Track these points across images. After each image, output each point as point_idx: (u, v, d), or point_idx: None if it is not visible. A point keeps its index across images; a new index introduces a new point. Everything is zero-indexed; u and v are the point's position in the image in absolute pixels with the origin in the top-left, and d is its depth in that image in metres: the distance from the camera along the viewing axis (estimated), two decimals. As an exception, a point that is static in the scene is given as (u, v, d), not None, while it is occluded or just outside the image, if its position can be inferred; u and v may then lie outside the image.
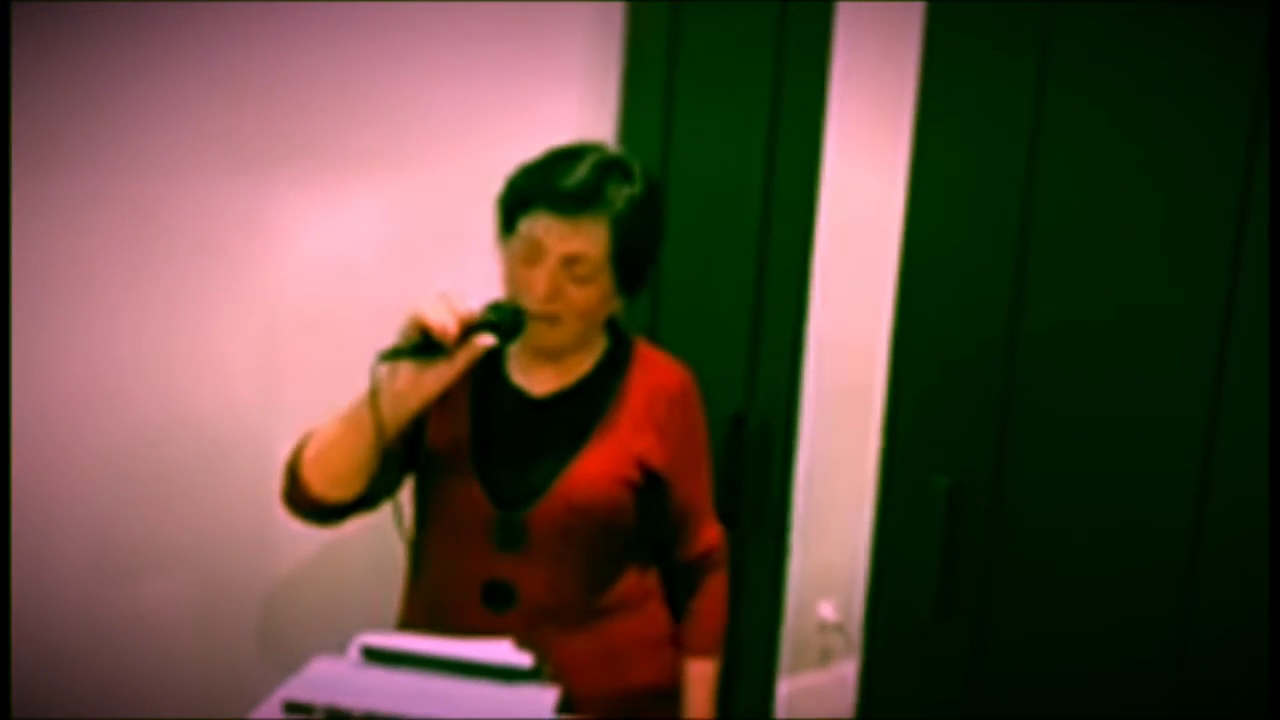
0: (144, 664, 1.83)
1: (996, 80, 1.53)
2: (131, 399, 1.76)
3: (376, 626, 1.40)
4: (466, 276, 1.88)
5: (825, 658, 2.98)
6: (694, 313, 1.96)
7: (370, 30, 1.85)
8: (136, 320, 1.75)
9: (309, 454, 1.46)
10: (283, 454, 1.81)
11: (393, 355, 1.33)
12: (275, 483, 1.82)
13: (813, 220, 1.84)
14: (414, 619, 1.58)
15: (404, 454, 1.52)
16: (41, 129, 1.63)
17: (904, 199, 1.63)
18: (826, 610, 2.96)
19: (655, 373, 1.58)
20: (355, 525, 1.82)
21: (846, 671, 2.99)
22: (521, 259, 1.46)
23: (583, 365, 1.56)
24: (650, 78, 1.98)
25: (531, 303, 1.44)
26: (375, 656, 1.22)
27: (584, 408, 1.53)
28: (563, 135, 1.92)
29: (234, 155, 1.78)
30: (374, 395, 1.36)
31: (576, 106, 2.03)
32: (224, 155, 1.77)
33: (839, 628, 2.97)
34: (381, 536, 1.97)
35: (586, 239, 1.43)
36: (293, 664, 1.27)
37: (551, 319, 1.46)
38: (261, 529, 1.89)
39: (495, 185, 1.94)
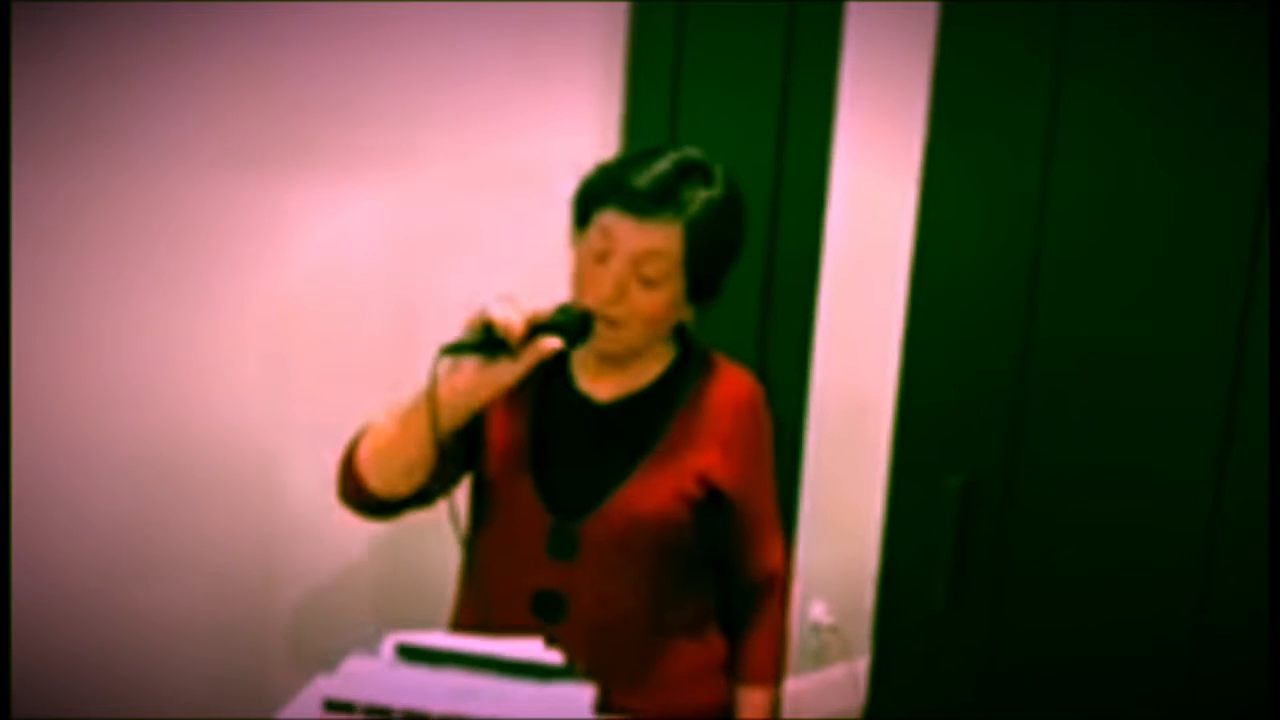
0: (154, 668, 1.81)
1: (1011, 82, 1.54)
2: (140, 401, 1.74)
3: (382, 626, 1.39)
4: (476, 275, 1.89)
5: (818, 659, 3.00)
6: (700, 313, 1.97)
7: (376, 29, 1.84)
8: (143, 322, 1.73)
9: (365, 449, 1.43)
10: (291, 454, 1.80)
11: (455, 350, 1.31)
12: (283, 483, 1.82)
13: (822, 219, 1.86)
14: (465, 623, 1.54)
15: (462, 452, 1.49)
16: (43, 129, 1.61)
17: (916, 199, 1.64)
18: (819, 612, 2.98)
19: (723, 385, 1.53)
20: (361, 529, 1.81)
21: (839, 673, 3.01)
22: (591, 257, 1.42)
23: (649, 372, 1.51)
24: (655, 79, 1.98)
25: (594, 303, 1.40)
26: (410, 655, 1.21)
27: (648, 417, 1.49)
28: (568, 136, 1.93)
29: (241, 154, 1.77)
30: (433, 390, 1.33)
31: (582, 107, 2.03)
32: (230, 154, 1.76)
33: (832, 629, 2.98)
34: (389, 543, 1.97)
35: (657, 240, 1.39)
36: (307, 667, 1.26)
37: (613, 321, 1.41)
38: (271, 530, 1.89)
39: (501, 184, 1.95)
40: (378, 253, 1.91)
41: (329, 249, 1.86)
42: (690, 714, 1.52)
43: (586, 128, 2.00)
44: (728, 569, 1.57)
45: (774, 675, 1.59)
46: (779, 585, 1.60)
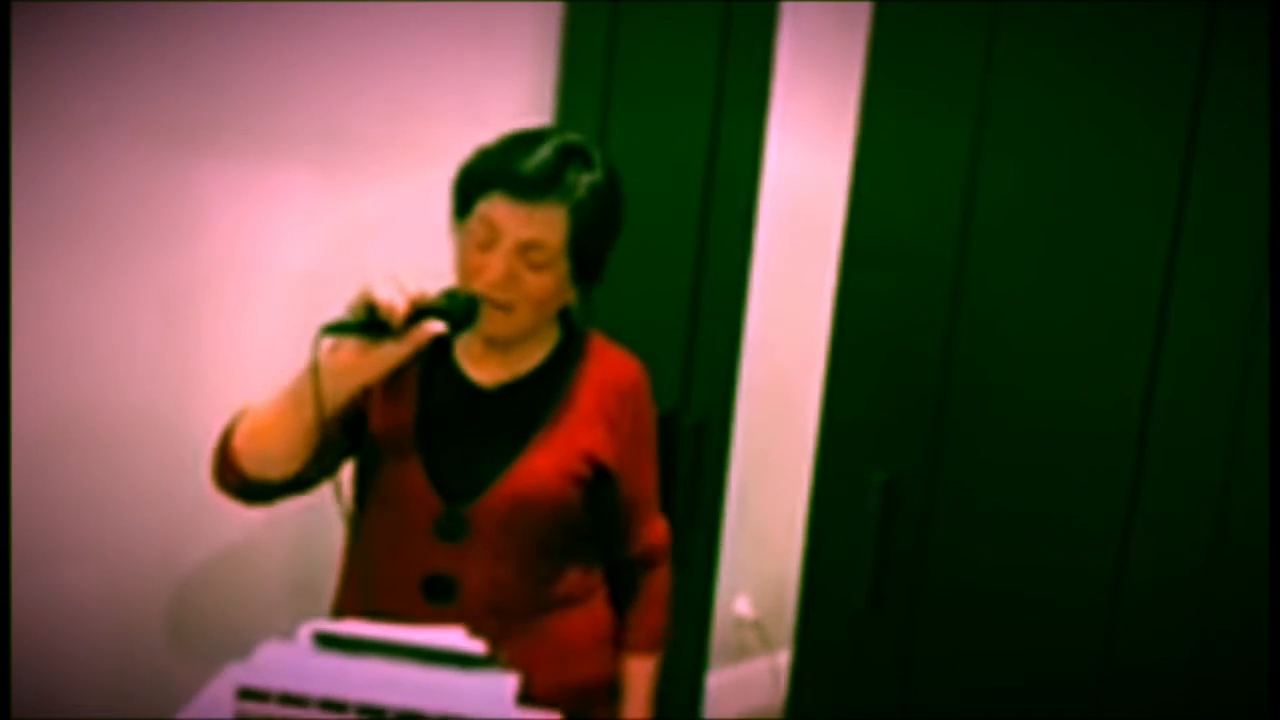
0: (54, 659, 1.76)
1: (941, 80, 1.56)
2: (39, 379, 1.69)
3: (291, 617, 1.36)
4: (394, 265, 1.86)
5: (740, 654, 3.01)
6: (630, 309, 1.96)
7: (306, 16, 1.82)
8: (45, 298, 1.67)
9: (243, 430, 1.41)
10: (195, 440, 1.75)
11: (336, 329, 1.29)
12: (190, 466, 1.76)
13: (754, 218, 1.86)
14: (349, 608, 1.53)
15: (343, 438, 1.48)
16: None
17: (846, 197, 1.66)
18: (743, 606, 2.99)
19: (607, 366, 1.56)
20: (269, 514, 1.77)
21: (761, 668, 3.03)
22: (476, 243, 1.43)
23: (534, 356, 1.53)
24: (587, 78, 1.98)
25: (484, 289, 1.41)
26: (327, 642, 1.19)
27: (533, 400, 1.51)
28: (498, 128, 1.91)
29: (158, 133, 1.72)
30: (315, 369, 1.31)
31: (513, 103, 2.02)
32: (146, 133, 1.71)
33: (755, 623, 3.00)
34: (299, 528, 1.94)
35: (544, 225, 1.40)
36: (215, 657, 1.23)
37: (505, 306, 1.43)
38: (176, 514, 1.85)
39: (425, 175, 1.93)
40: (294, 238, 1.87)
41: (243, 231, 1.83)
42: (580, 685, 1.54)
43: (517, 120, 1.98)
44: (612, 545, 1.61)
45: (659, 643, 1.63)
46: (662, 556, 1.65)
